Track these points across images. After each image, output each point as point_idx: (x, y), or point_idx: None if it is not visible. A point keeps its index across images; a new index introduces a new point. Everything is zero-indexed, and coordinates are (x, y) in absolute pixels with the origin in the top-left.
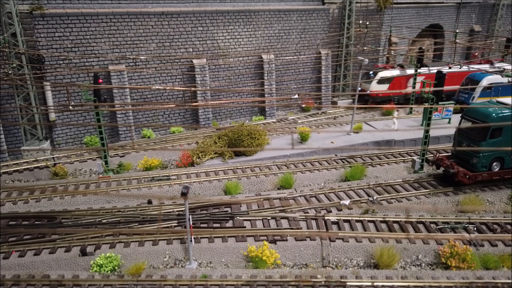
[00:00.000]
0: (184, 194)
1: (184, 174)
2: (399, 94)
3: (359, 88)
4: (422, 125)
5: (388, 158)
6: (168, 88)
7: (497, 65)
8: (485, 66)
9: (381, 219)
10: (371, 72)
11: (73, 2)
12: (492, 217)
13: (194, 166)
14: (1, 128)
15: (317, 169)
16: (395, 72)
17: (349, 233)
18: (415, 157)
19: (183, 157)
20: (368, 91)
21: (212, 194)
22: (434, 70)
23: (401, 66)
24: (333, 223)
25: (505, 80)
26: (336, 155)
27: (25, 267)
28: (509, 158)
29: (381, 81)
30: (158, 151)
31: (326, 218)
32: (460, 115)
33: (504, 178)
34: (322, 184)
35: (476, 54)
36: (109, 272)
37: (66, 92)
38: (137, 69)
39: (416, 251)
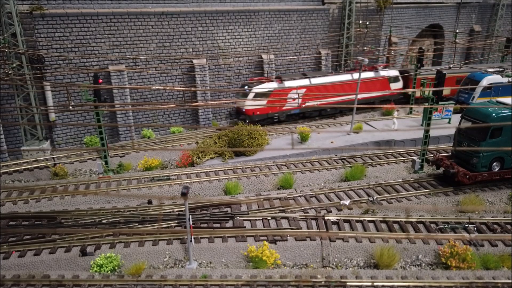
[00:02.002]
0: (184, 194)
1: (184, 174)
2: (279, 111)
3: (235, 106)
4: (422, 125)
5: (388, 158)
6: (168, 88)
7: (381, 72)
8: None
9: (381, 219)
10: (246, 86)
11: (73, 2)
12: (492, 217)
13: (194, 166)
14: (1, 128)
15: (317, 169)
16: (273, 85)
17: (349, 233)
18: (415, 157)
19: (183, 157)
20: (243, 109)
21: (212, 194)
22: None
23: (279, 78)
24: (333, 223)
25: (505, 80)
26: (336, 155)
27: (25, 267)
28: (509, 158)
29: (258, 95)
30: (158, 151)
31: (326, 218)
32: (460, 115)
33: (504, 178)
34: (322, 184)
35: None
36: (109, 272)
37: (66, 92)
38: (137, 69)
39: (416, 251)
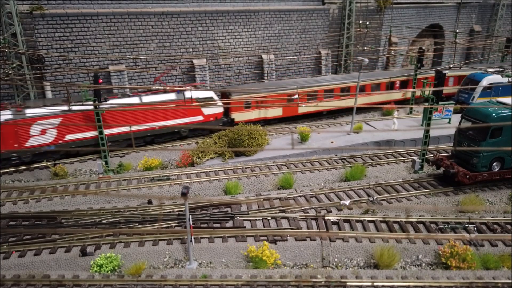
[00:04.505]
0: (184, 194)
1: (184, 174)
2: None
3: None
4: (422, 125)
5: (388, 158)
6: (168, 88)
7: (189, 94)
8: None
9: (381, 219)
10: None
11: (73, 2)
12: (492, 217)
13: (194, 166)
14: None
15: (317, 169)
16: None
17: (349, 233)
18: (415, 157)
19: (183, 157)
20: None
21: (212, 194)
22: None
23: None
24: (333, 223)
25: (505, 80)
26: (336, 155)
27: (25, 267)
28: (509, 158)
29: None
30: (158, 151)
31: (326, 218)
32: (460, 115)
33: (504, 178)
34: (322, 184)
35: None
36: (109, 272)
37: (66, 92)
38: (137, 69)
39: (416, 251)
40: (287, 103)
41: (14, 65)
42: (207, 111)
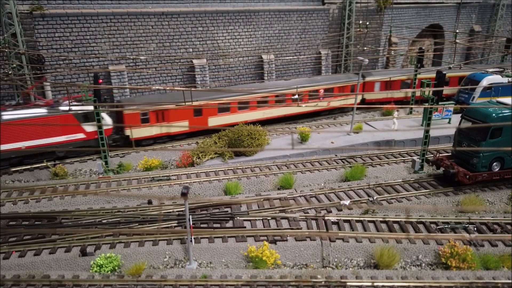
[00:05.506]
0: (184, 194)
1: (184, 174)
2: None
3: None
4: (422, 125)
5: (388, 158)
6: (168, 88)
7: (68, 108)
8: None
9: (381, 219)
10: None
11: (73, 2)
12: (492, 217)
13: (194, 166)
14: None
15: (317, 169)
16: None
17: (349, 233)
18: (415, 157)
19: (183, 157)
20: None
21: (212, 194)
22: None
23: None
24: (333, 223)
25: (505, 80)
26: (336, 155)
27: (25, 267)
28: (509, 158)
29: None
30: (158, 151)
31: (326, 218)
32: (460, 115)
33: (504, 178)
34: (322, 184)
35: None
36: (109, 272)
37: (66, 92)
38: (137, 69)
39: (416, 251)
40: (194, 115)
41: (14, 65)
42: (90, 127)
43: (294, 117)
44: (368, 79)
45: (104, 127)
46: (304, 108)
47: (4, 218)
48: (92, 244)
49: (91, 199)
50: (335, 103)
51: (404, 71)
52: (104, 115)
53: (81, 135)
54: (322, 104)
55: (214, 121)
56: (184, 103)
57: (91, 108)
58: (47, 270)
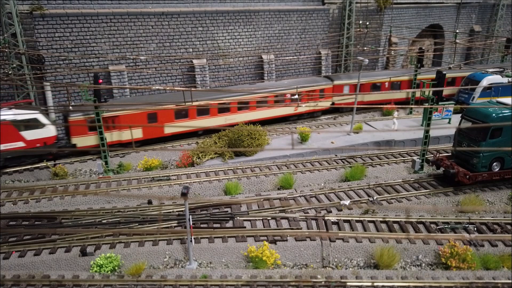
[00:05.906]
0: (184, 194)
1: (184, 174)
2: None
3: None
4: (422, 125)
5: (388, 158)
6: (168, 88)
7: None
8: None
9: (381, 219)
10: None
11: (73, 2)
12: (492, 217)
13: (194, 166)
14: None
15: (317, 169)
16: None
17: (349, 233)
18: (415, 157)
19: (183, 157)
20: None
21: (212, 194)
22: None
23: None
24: (333, 223)
25: (505, 80)
26: (336, 155)
27: (25, 267)
28: (509, 158)
29: None
30: (158, 151)
31: (326, 218)
32: (460, 115)
33: (504, 178)
34: (322, 184)
35: None
36: (109, 272)
37: (66, 92)
38: (137, 69)
39: (416, 251)
40: (148, 122)
41: (14, 65)
42: (30, 135)
43: (262, 122)
44: (336, 82)
45: (45, 135)
46: (273, 112)
47: (4, 218)
48: (92, 244)
49: (91, 199)
50: (303, 109)
51: (376, 73)
52: (45, 121)
53: (20, 144)
54: (290, 109)
55: (171, 129)
56: (184, 103)
57: (35, 116)
58: (47, 270)
